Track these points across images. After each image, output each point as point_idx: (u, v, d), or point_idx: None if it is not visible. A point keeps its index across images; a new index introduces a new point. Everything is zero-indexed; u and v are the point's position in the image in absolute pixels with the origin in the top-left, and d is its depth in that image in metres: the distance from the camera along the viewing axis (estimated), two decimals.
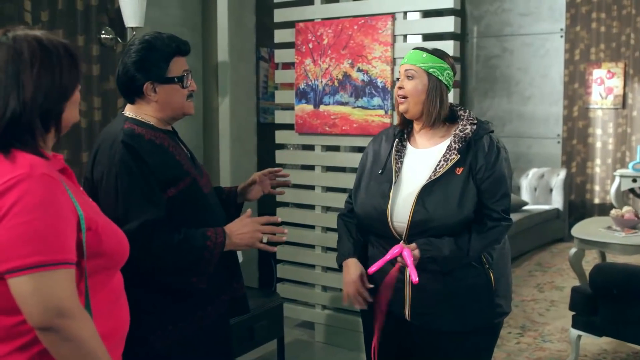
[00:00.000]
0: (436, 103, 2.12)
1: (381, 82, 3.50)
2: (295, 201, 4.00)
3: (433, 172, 2.09)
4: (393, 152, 2.20)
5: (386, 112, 3.50)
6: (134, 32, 3.48)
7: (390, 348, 2.24)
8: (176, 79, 1.98)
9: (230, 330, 2.18)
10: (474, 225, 2.07)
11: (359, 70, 3.57)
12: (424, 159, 2.16)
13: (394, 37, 3.45)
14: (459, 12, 3.41)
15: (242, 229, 1.99)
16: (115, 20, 3.53)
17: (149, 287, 1.93)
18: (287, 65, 4.00)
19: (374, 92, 3.54)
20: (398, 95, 2.17)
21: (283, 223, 4.03)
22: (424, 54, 2.14)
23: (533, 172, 6.90)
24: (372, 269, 2.06)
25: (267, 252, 3.96)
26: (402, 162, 2.19)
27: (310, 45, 3.75)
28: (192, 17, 4.13)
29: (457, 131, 2.13)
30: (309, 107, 3.80)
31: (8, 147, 1.34)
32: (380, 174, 2.18)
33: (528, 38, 7.32)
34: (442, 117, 2.16)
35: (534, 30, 7.29)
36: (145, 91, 1.97)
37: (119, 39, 3.56)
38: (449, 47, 3.30)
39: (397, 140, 2.23)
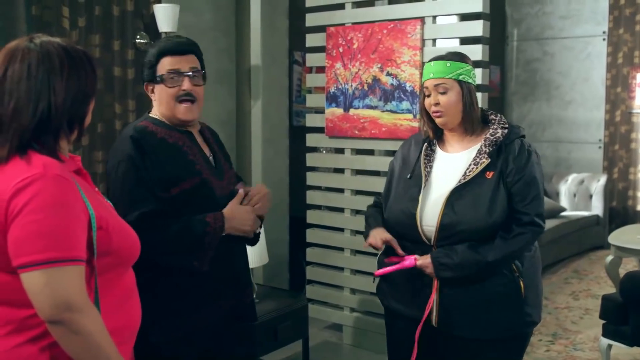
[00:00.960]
0: (473, 108, 2.12)
1: (410, 86, 3.51)
2: (325, 204, 4.03)
3: (463, 175, 2.08)
4: (422, 156, 2.19)
5: (414, 116, 3.50)
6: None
7: (408, 352, 2.23)
8: (158, 78, 2.02)
9: (234, 334, 2.20)
10: (500, 232, 2.04)
11: (388, 74, 3.58)
12: (453, 163, 2.15)
13: (422, 41, 3.46)
14: (488, 16, 3.37)
15: (244, 215, 2.03)
16: (150, 25, 3.63)
17: (152, 279, 1.94)
18: (321, 69, 4.04)
19: (402, 96, 3.54)
20: (434, 112, 2.13)
21: (313, 225, 4.09)
22: (448, 63, 2.11)
23: (572, 178, 6.77)
24: (379, 272, 2.08)
25: (297, 254, 4.01)
26: (431, 167, 2.18)
27: (341, 50, 3.78)
28: (225, 21, 4.20)
29: (488, 135, 2.11)
30: (339, 111, 3.83)
31: (25, 149, 1.40)
32: (409, 178, 2.18)
33: (569, 41, 7.20)
34: (479, 119, 2.16)
35: (575, 33, 7.16)
36: (147, 92, 2.07)
37: (152, 43, 3.65)
38: (477, 51, 3.29)
39: (425, 144, 2.22)
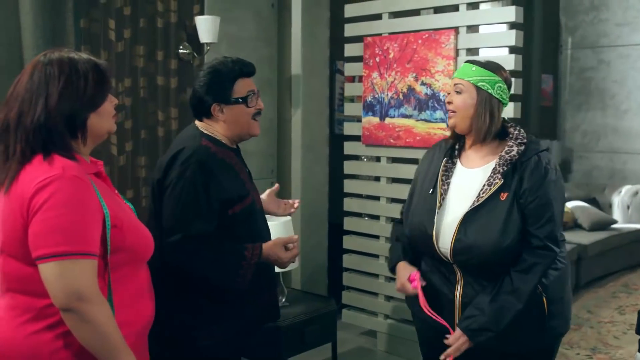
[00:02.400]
0: (485, 118, 2.06)
1: (443, 95, 3.52)
2: (362, 211, 4.09)
3: (477, 197, 2.05)
4: (440, 172, 2.16)
5: (448, 126, 3.51)
6: (208, 47, 3.70)
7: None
8: (240, 100, 2.12)
9: (264, 333, 2.33)
10: (512, 270, 2.00)
11: (423, 83, 3.62)
12: (470, 180, 2.12)
13: (456, 51, 3.47)
14: (522, 25, 3.36)
15: (281, 256, 2.13)
16: (193, 36, 3.77)
17: (195, 290, 2.09)
18: (361, 78, 4.10)
19: (436, 105, 3.57)
20: (447, 110, 2.15)
21: (350, 232, 4.15)
22: (474, 67, 2.09)
23: (626, 190, 6.59)
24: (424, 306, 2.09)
25: (336, 260, 4.08)
26: (449, 184, 2.15)
27: (377, 59, 3.83)
28: (267, 31, 4.31)
29: (503, 153, 2.06)
30: (375, 120, 3.88)
31: (49, 151, 1.53)
32: (431, 193, 2.16)
33: (626, 49, 7.02)
34: (492, 133, 2.09)
35: (632, 40, 6.97)
36: (213, 112, 2.13)
37: (195, 54, 3.80)
38: (509, 60, 3.29)
39: (446, 158, 2.19)
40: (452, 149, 2.22)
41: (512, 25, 3.34)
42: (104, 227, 1.54)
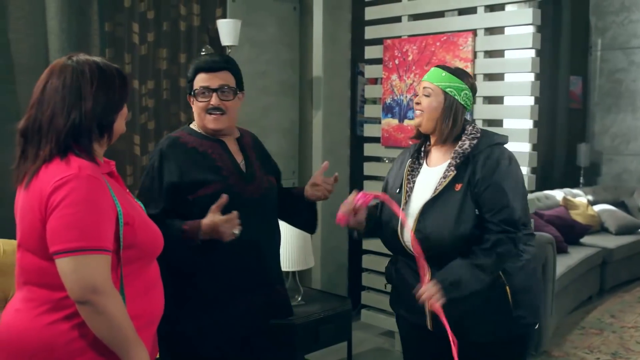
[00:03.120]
0: (449, 122, 2.16)
1: None
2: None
3: (433, 190, 2.14)
4: (406, 172, 2.25)
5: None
6: (229, 50, 3.77)
7: (416, 356, 2.32)
8: (191, 93, 2.23)
9: (264, 330, 2.33)
10: (474, 247, 2.06)
11: None
12: (431, 177, 2.20)
13: (474, 53, 3.48)
14: (539, 28, 3.36)
15: (212, 219, 2.09)
16: (215, 39, 3.84)
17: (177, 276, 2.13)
18: (381, 80, 4.13)
19: None
20: (415, 110, 2.23)
21: None
22: (444, 73, 2.19)
23: None
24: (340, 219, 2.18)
25: (357, 261, 4.10)
26: (414, 182, 2.24)
27: (397, 62, 3.86)
28: (289, 35, 4.37)
29: (457, 147, 2.16)
30: (394, 121, 3.91)
31: (66, 152, 1.60)
32: (397, 193, 2.24)
33: None
34: (453, 135, 2.19)
35: None
36: (190, 103, 2.27)
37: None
38: (527, 63, 3.29)
39: (411, 159, 2.27)
40: (419, 150, 2.30)
41: (538, 28, 3.33)
42: (117, 225, 1.60)
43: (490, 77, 3.56)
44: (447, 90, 2.16)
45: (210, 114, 2.20)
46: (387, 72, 3.92)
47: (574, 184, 6.79)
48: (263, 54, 4.25)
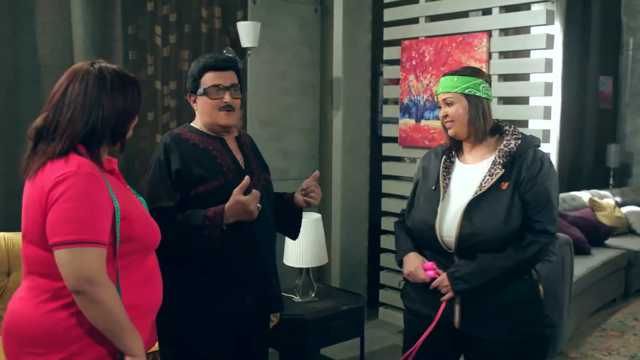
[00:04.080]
0: (480, 120, 2.20)
1: None
2: (399, 211, 4.14)
3: (479, 187, 2.16)
4: (441, 168, 2.28)
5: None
6: (249, 52, 3.87)
7: (438, 356, 2.31)
8: (203, 91, 2.28)
9: (261, 324, 2.40)
10: (514, 241, 2.11)
11: None
12: (471, 175, 2.23)
13: (489, 53, 3.51)
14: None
15: (239, 199, 2.17)
16: (236, 40, 3.94)
17: (176, 268, 2.20)
18: (396, 81, 4.18)
19: None
20: (445, 123, 2.26)
21: (388, 232, 4.22)
22: (455, 78, 2.22)
23: None
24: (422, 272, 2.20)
25: (375, 259, 4.12)
26: (449, 178, 2.26)
27: (414, 62, 3.90)
28: (310, 36, 4.44)
29: (502, 146, 2.19)
30: (411, 122, 3.95)
31: (68, 152, 1.70)
32: (434, 190, 2.27)
33: None
34: (488, 130, 2.22)
35: None
36: (191, 103, 2.34)
37: (238, 58, 3.97)
38: (540, 63, 3.30)
39: (444, 157, 2.31)
40: (449, 150, 2.33)
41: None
42: (114, 219, 1.69)
43: (505, 77, 3.58)
44: (466, 91, 2.20)
45: (222, 111, 2.28)
46: (405, 72, 3.96)
47: (604, 185, 6.71)
48: (284, 55, 4.33)
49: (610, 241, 5.38)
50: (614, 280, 5.09)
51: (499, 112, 3.50)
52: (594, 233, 5.25)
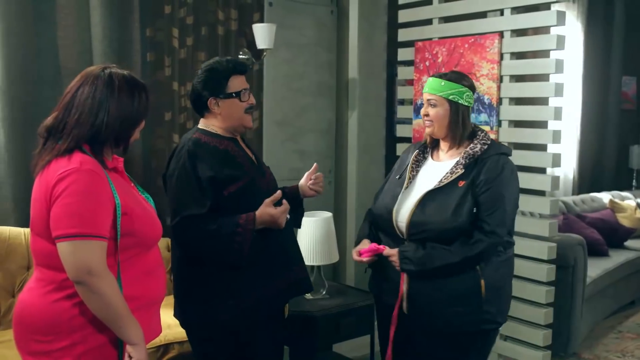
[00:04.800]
0: (459, 125, 2.35)
1: (488, 98, 3.58)
2: None
3: (438, 181, 2.31)
4: (411, 161, 2.44)
5: (492, 128, 3.57)
6: (265, 53, 3.94)
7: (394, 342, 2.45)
8: (234, 94, 2.36)
9: (281, 308, 2.52)
10: (462, 237, 2.24)
11: None
12: (437, 171, 2.37)
13: (500, 54, 3.52)
14: (562, 29, 3.37)
15: (269, 211, 2.31)
16: (252, 42, 4.00)
17: (208, 266, 2.31)
18: (411, 82, 4.20)
19: (481, 108, 3.63)
20: (425, 121, 2.40)
21: None
22: (442, 82, 2.34)
23: None
24: (358, 248, 2.37)
25: None
26: (417, 171, 2.43)
27: (427, 63, 3.94)
28: (327, 37, 4.50)
29: (468, 149, 2.33)
30: None
31: (72, 150, 1.79)
32: (398, 179, 2.44)
33: None
34: (465, 136, 2.37)
35: None
36: (210, 106, 2.37)
37: (254, 60, 4.05)
38: (551, 64, 3.31)
39: (417, 151, 2.46)
40: (425, 145, 2.49)
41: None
42: (115, 214, 1.77)
43: (519, 78, 3.59)
44: (450, 97, 2.33)
45: (247, 113, 2.39)
46: (419, 73, 3.99)
47: (626, 187, 6.64)
48: (300, 56, 4.39)
49: (630, 243, 5.34)
50: (633, 282, 5.05)
51: (510, 112, 3.52)
52: (613, 235, 5.23)
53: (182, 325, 2.45)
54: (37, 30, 3.27)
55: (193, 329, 2.42)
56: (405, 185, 2.39)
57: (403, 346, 2.41)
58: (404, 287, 2.32)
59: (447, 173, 2.32)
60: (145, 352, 1.81)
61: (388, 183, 2.52)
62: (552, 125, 4.14)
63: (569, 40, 5.93)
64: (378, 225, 2.47)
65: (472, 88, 2.38)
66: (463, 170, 2.29)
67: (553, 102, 4.29)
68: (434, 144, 2.47)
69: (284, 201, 2.38)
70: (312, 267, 3.50)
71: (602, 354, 4.01)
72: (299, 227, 2.77)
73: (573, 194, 6.18)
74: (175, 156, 2.35)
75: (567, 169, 6.19)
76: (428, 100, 2.37)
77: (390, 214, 2.36)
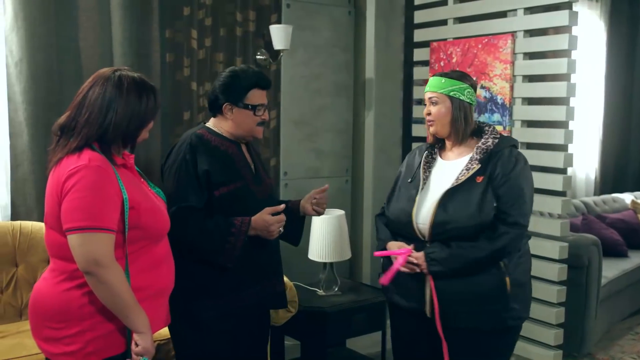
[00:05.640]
0: (462, 121, 2.35)
1: (501, 98, 3.61)
2: None
3: (455, 179, 2.30)
4: (422, 162, 2.44)
5: (504, 128, 3.59)
6: (282, 54, 4.01)
7: (412, 344, 2.46)
8: (250, 107, 2.41)
9: (266, 317, 2.57)
10: (486, 231, 2.24)
11: (482, 87, 3.71)
12: (450, 170, 2.37)
13: (513, 55, 3.54)
14: (564, 29, 3.38)
15: (266, 225, 2.34)
16: (270, 43, 4.08)
17: (195, 263, 2.36)
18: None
19: (494, 108, 3.65)
20: (427, 120, 2.41)
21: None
22: (443, 80, 2.36)
23: None
24: (385, 279, 2.30)
25: None
26: (430, 172, 2.42)
27: (442, 64, 3.97)
28: (344, 38, 4.55)
29: (480, 144, 2.34)
30: None
31: (82, 148, 1.88)
32: (410, 182, 2.43)
33: None
34: (469, 132, 2.38)
35: None
36: (224, 110, 2.43)
37: (271, 60, 4.12)
38: (563, 64, 3.32)
39: (426, 152, 2.47)
40: (432, 146, 2.48)
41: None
42: (123, 208, 1.86)
43: (534, 78, 3.61)
44: (451, 94, 2.34)
45: (259, 126, 2.45)
46: (434, 73, 4.02)
47: None
48: (317, 57, 4.45)
49: None
50: None
51: (523, 113, 3.54)
52: (633, 235, 5.18)
53: None
54: (60, 32, 3.38)
55: (174, 323, 2.46)
56: (420, 187, 2.38)
57: (423, 346, 2.42)
58: (428, 290, 2.31)
59: (462, 170, 2.31)
60: (151, 340, 1.89)
61: (399, 187, 2.50)
62: (571, 125, 4.13)
63: (592, 40, 5.90)
64: (395, 229, 2.44)
65: (474, 87, 2.39)
66: (479, 165, 2.28)
67: (572, 102, 4.28)
68: (440, 144, 2.48)
69: (282, 215, 2.40)
70: (325, 264, 3.56)
71: (617, 355, 4.00)
72: (297, 245, 2.72)
73: (595, 194, 6.14)
74: (177, 148, 2.41)
75: (589, 169, 6.15)
76: (429, 98, 2.38)
77: (409, 216, 2.34)
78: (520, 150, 3.01)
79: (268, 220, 2.33)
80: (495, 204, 2.24)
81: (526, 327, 3.55)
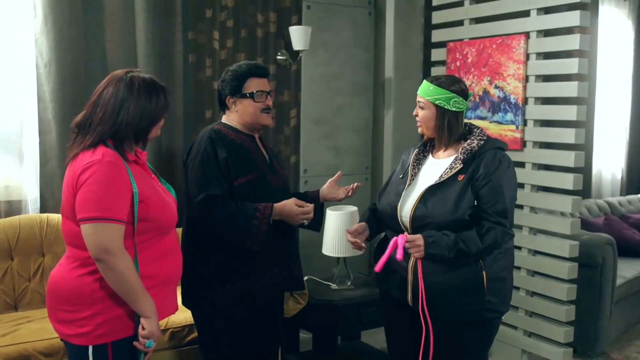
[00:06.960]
0: (444, 130, 2.45)
1: (514, 98, 3.65)
2: None
3: (439, 177, 2.41)
4: (412, 159, 2.56)
5: (517, 127, 3.64)
6: (301, 54, 4.12)
7: (396, 332, 2.61)
8: (248, 95, 2.56)
9: (281, 300, 2.73)
10: (475, 227, 2.33)
11: (496, 87, 3.76)
12: (437, 168, 2.49)
13: (526, 55, 3.58)
14: (586, 29, 3.40)
15: (291, 212, 2.51)
16: (290, 44, 4.19)
17: (216, 250, 2.52)
18: None
19: (507, 107, 3.70)
20: (417, 121, 2.53)
21: None
22: (432, 87, 2.45)
23: None
24: (378, 267, 2.40)
25: None
26: (419, 169, 2.54)
27: (458, 64, 4.03)
28: (364, 38, 4.64)
29: (466, 145, 2.43)
30: None
31: (97, 145, 2.01)
32: (401, 177, 2.56)
33: None
34: (453, 139, 2.47)
35: None
36: (228, 103, 2.61)
37: (291, 60, 4.23)
38: (574, 64, 3.36)
39: (418, 150, 2.59)
40: (425, 144, 2.60)
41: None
42: (133, 201, 1.99)
43: (549, 78, 3.64)
44: (437, 102, 2.44)
45: (265, 112, 2.60)
46: (450, 73, 4.09)
47: None
48: (338, 57, 4.55)
49: None
50: None
51: (535, 112, 3.58)
52: None
53: (184, 304, 2.63)
54: (87, 35, 3.56)
55: (194, 309, 2.63)
56: (407, 182, 2.51)
57: (409, 337, 2.52)
58: (410, 279, 2.41)
59: (446, 169, 2.42)
60: (157, 325, 2.02)
61: (391, 182, 2.63)
62: (595, 124, 4.13)
63: (620, 39, 5.86)
64: (384, 221, 2.58)
65: (463, 94, 2.45)
66: (462, 165, 2.39)
67: (594, 101, 4.29)
68: (433, 142, 2.58)
69: (312, 205, 2.58)
70: (338, 258, 3.66)
71: (632, 355, 4.00)
72: (318, 231, 2.88)
73: (621, 194, 6.10)
74: (197, 143, 2.58)
75: (615, 169, 6.12)
76: (418, 102, 2.50)
77: (394, 209, 2.47)
78: (533, 149, 3.15)
79: (294, 209, 2.50)
80: (473, 203, 2.34)
81: (536, 324, 3.61)
